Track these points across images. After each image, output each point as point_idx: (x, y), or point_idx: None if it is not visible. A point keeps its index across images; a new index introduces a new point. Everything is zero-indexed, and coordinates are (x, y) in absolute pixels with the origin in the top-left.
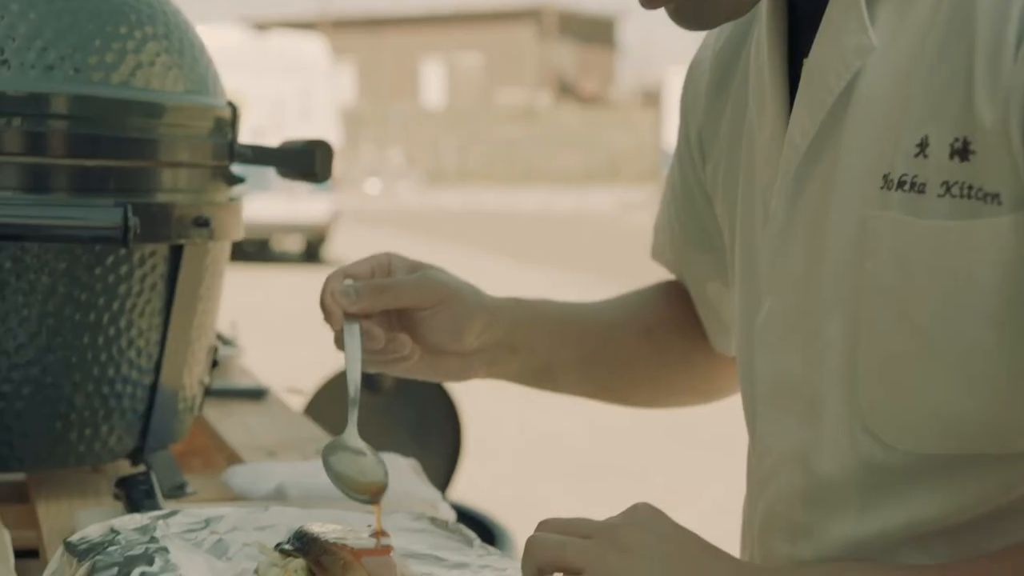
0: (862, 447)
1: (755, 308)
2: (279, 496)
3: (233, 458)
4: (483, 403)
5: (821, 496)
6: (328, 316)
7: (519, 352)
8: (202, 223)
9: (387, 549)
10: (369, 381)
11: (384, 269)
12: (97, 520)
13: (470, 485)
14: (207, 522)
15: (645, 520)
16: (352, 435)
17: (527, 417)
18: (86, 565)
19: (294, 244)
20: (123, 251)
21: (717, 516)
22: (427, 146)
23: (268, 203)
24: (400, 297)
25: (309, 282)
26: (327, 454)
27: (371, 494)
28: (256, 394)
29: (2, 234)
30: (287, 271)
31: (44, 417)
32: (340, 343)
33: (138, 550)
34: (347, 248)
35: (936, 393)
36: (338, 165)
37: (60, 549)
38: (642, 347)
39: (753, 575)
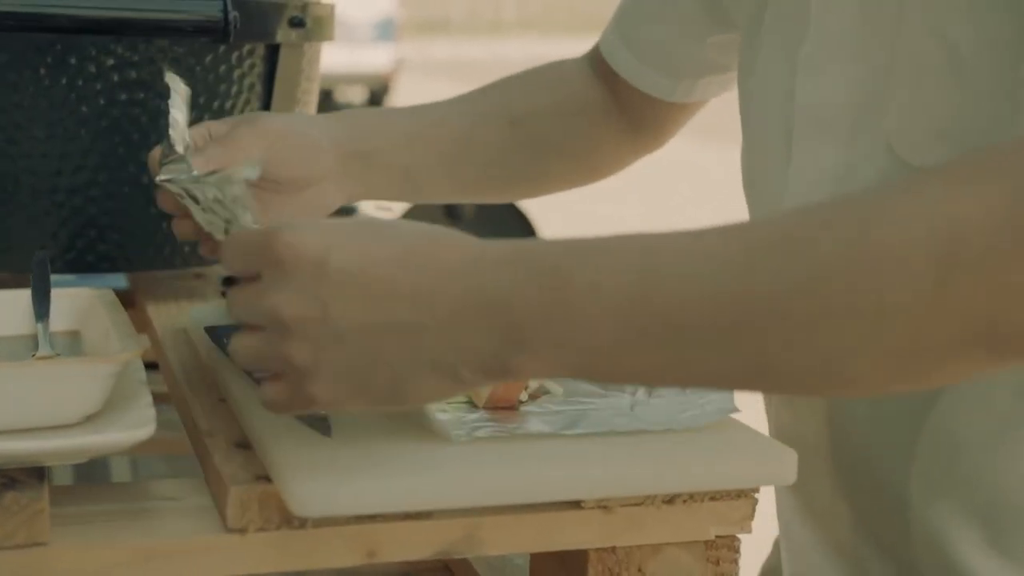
0: (889, 169)
1: (799, 39)
2: None
3: None
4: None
5: None
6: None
7: (372, 162)
8: (297, 23)
9: None
10: (451, 210)
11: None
12: (211, 315)
13: None
14: None
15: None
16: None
17: None
18: None
19: (357, 95)
20: (222, 49)
21: None
22: None
23: (330, 53)
24: (243, 146)
25: None
26: None
27: None
28: (347, 211)
29: (103, 28)
30: None
31: (150, 217)
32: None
33: None
34: (411, 99)
35: (956, 107)
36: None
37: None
38: (508, 140)
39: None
